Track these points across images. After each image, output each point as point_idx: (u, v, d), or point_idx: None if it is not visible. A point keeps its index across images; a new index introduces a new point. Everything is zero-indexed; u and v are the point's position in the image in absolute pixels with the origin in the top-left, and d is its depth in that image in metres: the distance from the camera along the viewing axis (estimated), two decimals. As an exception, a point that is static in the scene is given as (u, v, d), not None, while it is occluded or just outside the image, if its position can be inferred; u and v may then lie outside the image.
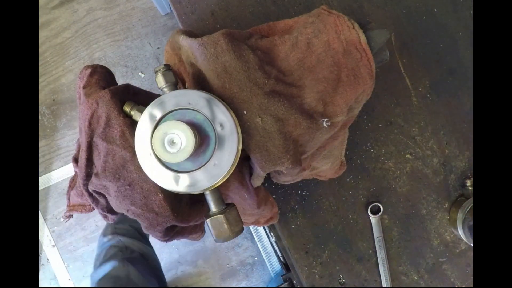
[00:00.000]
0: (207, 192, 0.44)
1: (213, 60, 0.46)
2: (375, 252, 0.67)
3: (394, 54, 0.65)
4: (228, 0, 0.64)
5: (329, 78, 0.47)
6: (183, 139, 0.39)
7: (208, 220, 0.43)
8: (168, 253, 1.73)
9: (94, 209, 0.53)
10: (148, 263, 1.16)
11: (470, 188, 0.64)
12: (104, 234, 1.24)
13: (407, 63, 0.65)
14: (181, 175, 0.42)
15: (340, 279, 0.68)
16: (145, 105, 0.44)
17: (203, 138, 0.43)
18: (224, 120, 0.43)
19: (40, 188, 1.73)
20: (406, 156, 0.66)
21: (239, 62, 0.46)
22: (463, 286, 0.68)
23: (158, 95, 0.47)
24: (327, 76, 0.47)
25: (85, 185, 0.49)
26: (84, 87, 0.48)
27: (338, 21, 0.48)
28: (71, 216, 0.57)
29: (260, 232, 1.79)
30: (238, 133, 0.43)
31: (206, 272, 1.71)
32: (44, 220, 1.74)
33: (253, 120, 0.45)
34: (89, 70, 0.48)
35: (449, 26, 0.65)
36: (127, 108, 0.45)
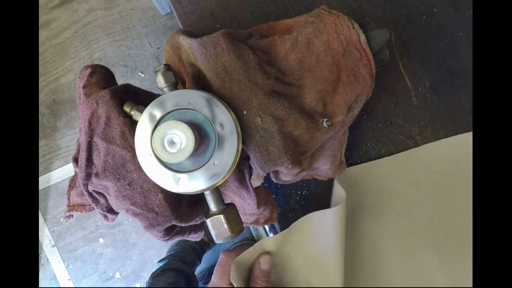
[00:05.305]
0: (207, 192, 0.44)
1: (213, 60, 0.46)
2: (375, 252, 0.67)
3: (394, 54, 0.65)
4: (228, 0, 0.64)
5: (329, 78, 0.47)
6: (183, 139, 0.39)
7: (208, 220, 0.43)
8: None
9: (94, 209, 0.53)
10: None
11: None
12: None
13: (407, 63, 0.65)
14: (181, 175, 0.42)
15: (340, 279, 0.68)
16: (145, 105, 0.44)
17: (203, 138, 0.43)
18: (224, 120, 0.43)
19: (40, 188, 1.73)
20: (406, 156, 0.66)
21: (239, 62, 0.46)
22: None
23: (158, 95, 0.47)
24: (327, 76, 0.47)
25: (85, 185, 0.49)
26: (84, 87, 0.48)
27: (338, 21, 0.48)
28: (71, 216, 0.57)
29: (260, 232, 1.79)
30: (238, 133, 0.43)
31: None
32: (44, 220, 1.74)
33: (253, 120, 0.45)
34: (89, 70, 0.48)
35: (449, 26, 0.65)
36: (127, 108, 0.45)
